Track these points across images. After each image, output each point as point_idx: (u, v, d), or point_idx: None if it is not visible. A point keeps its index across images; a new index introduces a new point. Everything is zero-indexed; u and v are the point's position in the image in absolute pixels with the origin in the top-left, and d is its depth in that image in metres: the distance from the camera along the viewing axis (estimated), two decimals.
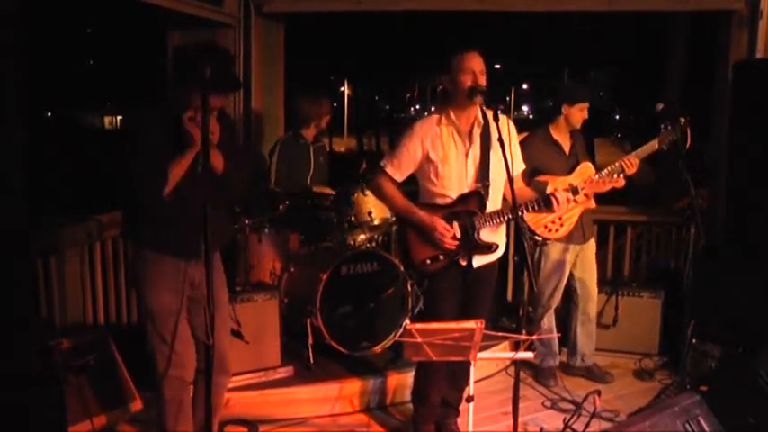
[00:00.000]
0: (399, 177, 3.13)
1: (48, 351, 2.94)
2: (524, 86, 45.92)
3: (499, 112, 2.78)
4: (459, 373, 3.25)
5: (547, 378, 4.03)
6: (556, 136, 3.84)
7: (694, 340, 3.66)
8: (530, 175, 3.50)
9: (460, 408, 3.33)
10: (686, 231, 4.83)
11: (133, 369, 3.23)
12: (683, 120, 3.57)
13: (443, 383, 3.25)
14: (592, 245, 4.04)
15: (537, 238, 3.78)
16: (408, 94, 35.14)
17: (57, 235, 3.61)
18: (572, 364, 4.15)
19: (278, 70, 5.20)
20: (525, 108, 49.86)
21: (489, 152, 3.03)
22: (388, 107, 35.98)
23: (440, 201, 3.08)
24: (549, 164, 3.75)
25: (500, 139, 2.70)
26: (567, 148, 3.84)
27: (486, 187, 3.03)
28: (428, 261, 3.07)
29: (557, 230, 3.76)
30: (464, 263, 3.09)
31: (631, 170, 3.62)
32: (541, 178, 3.65)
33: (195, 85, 2.42)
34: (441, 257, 3.06)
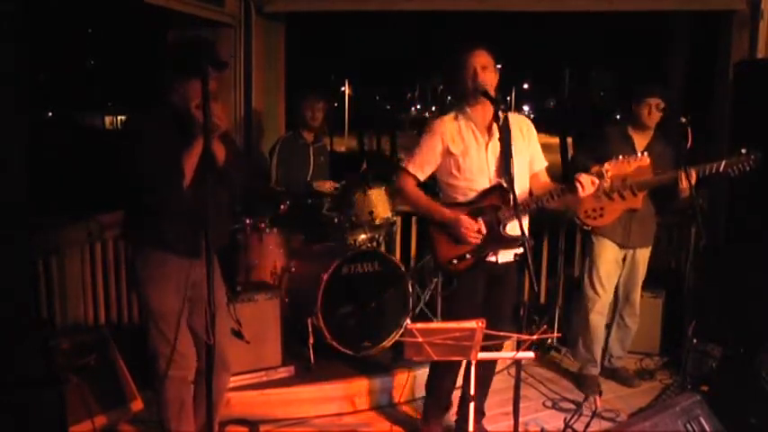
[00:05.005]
0: (422, 176, 3.12)
1: (48, 351, 2.94)
2: (525, 86, 45.90)
3: (500, 112, 2.78)
4: (483, 379, 3.22)
5: (588, 387, 3.90)
6: (632, 132, 3.87)
7: (695, 340, 3.66)
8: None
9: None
10: (687, 231, 4.82)
11: (134, 369, 3.23)
12: (683, 119, 3.56)
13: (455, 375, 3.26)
14: (643, 254, 3.95)
15: (576, 220, 3.87)
16: (409, 94, 35.13)
17: (57, 235, 3.60)
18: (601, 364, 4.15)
19: (278, 70, 5.20)
20: (526, 108, 49.84)
21: (511, 146, 2.97)
22: (388, 107, 35.98)
23: (462, 198, 3.06)
24: (614, 154, 3.69)
25: (502, 139, 2.68)
26: (638, 145, 3.82)
27: (510, 181, 2.99)
28: (455, 260, 3.04)
29: (594, 219, 3.82)
30: (493, 258, 3.07)
31: (685, 184, 3.55)
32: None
33: (190, 72, 2.46)
34: (468, 256, 3.02)
